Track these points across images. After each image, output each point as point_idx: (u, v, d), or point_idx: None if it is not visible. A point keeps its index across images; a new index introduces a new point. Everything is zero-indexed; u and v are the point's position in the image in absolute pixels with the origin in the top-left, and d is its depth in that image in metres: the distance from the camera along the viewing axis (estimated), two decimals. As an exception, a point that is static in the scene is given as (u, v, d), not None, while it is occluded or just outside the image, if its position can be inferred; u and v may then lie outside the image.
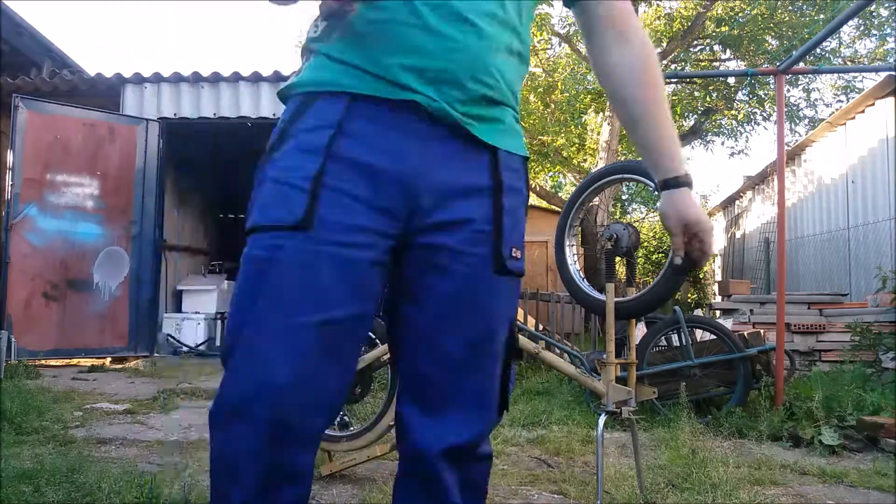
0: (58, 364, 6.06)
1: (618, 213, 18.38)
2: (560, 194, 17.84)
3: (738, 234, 13.24)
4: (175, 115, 7.02)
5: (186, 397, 4.50)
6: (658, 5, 11.50)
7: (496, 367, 1.06)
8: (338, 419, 2.88)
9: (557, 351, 4.76)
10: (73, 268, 6.24)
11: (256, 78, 7.04)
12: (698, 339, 4.30)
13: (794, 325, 5.11)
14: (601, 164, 9.78)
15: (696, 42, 11.48)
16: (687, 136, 14.48)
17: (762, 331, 4.52)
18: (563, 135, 12.82)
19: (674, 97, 13.33)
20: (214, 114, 7.04)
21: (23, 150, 6.02)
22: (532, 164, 13.68)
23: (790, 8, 10.50)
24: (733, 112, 12.84)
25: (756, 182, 11.97)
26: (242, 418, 0.91)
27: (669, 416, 3.67)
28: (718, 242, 15.63)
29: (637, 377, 2.58)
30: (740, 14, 10.23)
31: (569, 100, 13.15)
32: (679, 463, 2.80)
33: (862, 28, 10.76)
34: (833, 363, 4.88)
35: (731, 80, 11.93)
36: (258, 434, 0.91)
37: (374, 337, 2.77)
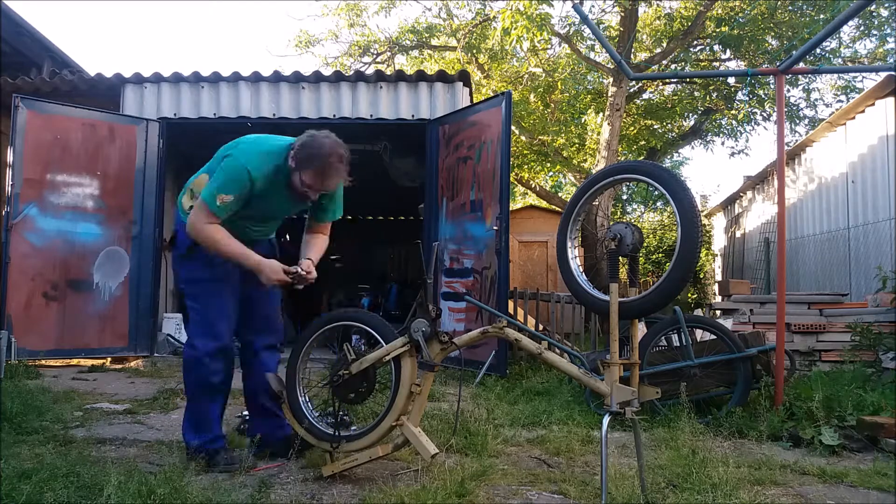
0: (58, 364, 6.06)
1: (617, 213, 18.37)
2: (560, 194, 17.85)
3: (738, 234, 13.24)
4: (175, 115, 7.03)
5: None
6: (658, 5, 11.49)
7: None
8: (339, 419, 2.87)
9: (557, 351, 4.76)
10: (73, 268, 6.24)
11: (256, 78, 7.04)
12: (698, 339, 4.30)
13: (794, 325, 5.11)
14: (601, 164, 9.77)
15: (696, 42, 11.48)
16: (687, 136, 14.48)
17: (762, 331, 4.52)
18: (563, 135, 12.83)
19: (674, 97, 13.34)
20: (214, 114, 7.04)
21: (23, 150, 6.03)
22: (532, 163, 13.69)
23: (790, 8, 10.49)
24: (733, 112, 12.84)
25: (756, 182, 11.97)
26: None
27: (669, 416, 3.67)
28: (718, 242, 15.63)
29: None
30: (740, 14, 10.23)
31: (569, 100, 13.17)
32: (679, 463, 2.80)
33: (862, 28, 10.76)
34: (833, 363, 4.88)
35: (731, 80, 11.93)
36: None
37: (377, 337, 2.75)
